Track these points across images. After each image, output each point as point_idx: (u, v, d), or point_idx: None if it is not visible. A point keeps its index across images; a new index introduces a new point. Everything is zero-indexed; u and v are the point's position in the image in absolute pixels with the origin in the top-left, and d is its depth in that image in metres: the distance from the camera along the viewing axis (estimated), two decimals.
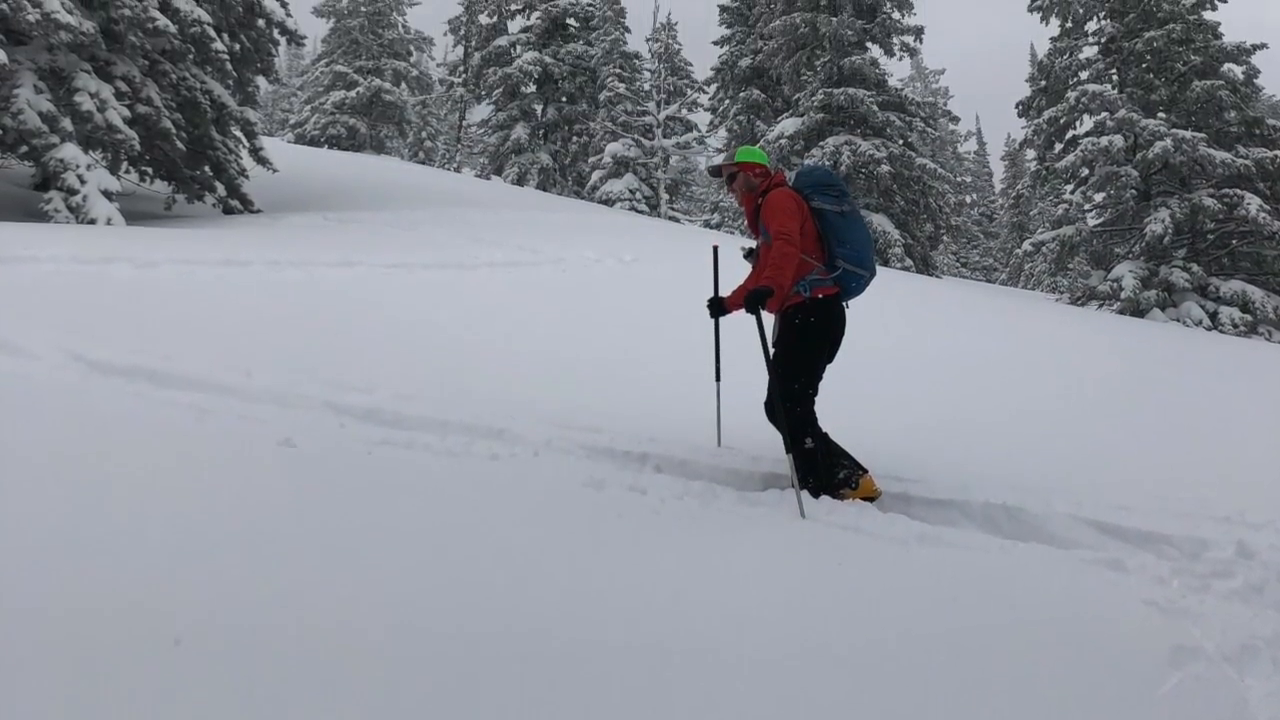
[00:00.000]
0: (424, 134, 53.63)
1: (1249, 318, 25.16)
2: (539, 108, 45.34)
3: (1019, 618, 3.80)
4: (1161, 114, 28.33)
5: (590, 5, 44.07)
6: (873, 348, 9.27)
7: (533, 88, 44.80)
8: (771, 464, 5.75)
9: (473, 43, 48.19)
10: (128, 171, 18.51)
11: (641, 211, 36.83)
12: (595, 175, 39.67)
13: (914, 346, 11.45)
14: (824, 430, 5.55)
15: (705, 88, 45.43)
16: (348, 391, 6.45)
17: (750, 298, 5.23)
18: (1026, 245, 30.42)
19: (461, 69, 49.06)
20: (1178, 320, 25.16)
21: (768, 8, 38.61)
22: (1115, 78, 30.17)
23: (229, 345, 7.47)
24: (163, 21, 16.63)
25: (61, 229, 13.23)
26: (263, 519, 3.93)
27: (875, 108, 31.77)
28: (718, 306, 5.96)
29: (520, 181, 41.85)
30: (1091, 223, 29.95)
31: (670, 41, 42.81)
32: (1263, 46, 27.67)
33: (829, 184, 5.71)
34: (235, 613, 3.06)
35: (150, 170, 19.31)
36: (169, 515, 3.80)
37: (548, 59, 43.29)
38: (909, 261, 31.61)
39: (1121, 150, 26.96)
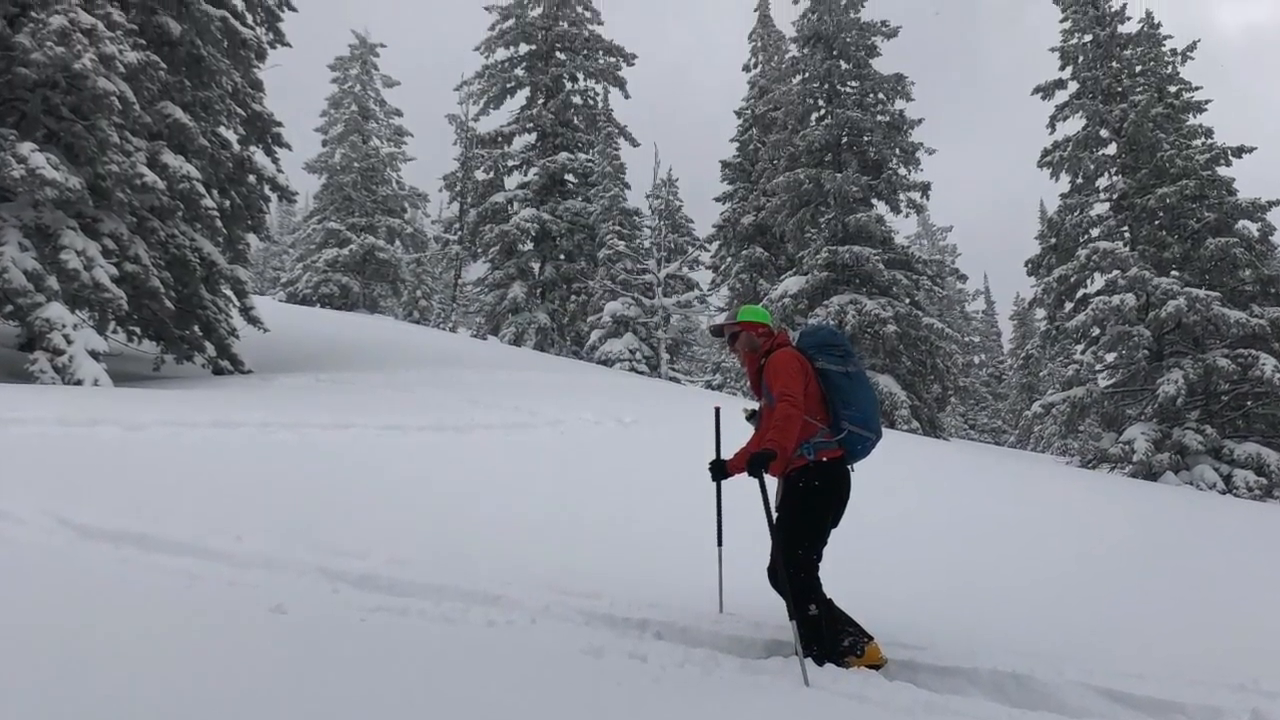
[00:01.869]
0: (419, 292, 54.02)
1: (1264, 481, 25.27)
2: (536, 265, 45.73)
3: None
4: (1174, 272, 28.89)
5: (589, 161, 44.76)
6: (878, 512, 9.38)
7: (530, 245, 45.27)
8: (774, 630, 5.82)
9: (469, 199, 48.77)
10: (115, 331, 18.77)
11: (641, 372, 36.97)
12: (594, 334, 39.81)
13: (921, 511, 11.55)
14: (828, 596, 5.62)
15: (707, 245, 46.16)
16: (341, 556, 6.57)
17: (753, 460, 5.38)
18: (1036, 407, 30.62)
19: (457, 226, 49.45)
20: (1191, 484, 25.25)
21: (770, 164, 39.70)
22: (1127, 235, 30.86)
23: (219, 509, 7.59)
24: (151, 178, 16.93)
25: (47, 390, 13.46)
26: (253, 688, 3.99)
27: (881, 266, 32.40)
28: (720, 469, 6.00)
29: (517, 341, 42.04)
30: (1103, 383, 30.25)
31: (671, 198, 43.21)
32: (1278, 203, 28.28)
33: (833, 344, 5.90)
34: None
35: (138, 330, 19.53)
36: (157, 684, 3.86)
37: (545, 216, 43.86)
38: (915, 423, 31.74)
39: (1133, 309, 27.39)
